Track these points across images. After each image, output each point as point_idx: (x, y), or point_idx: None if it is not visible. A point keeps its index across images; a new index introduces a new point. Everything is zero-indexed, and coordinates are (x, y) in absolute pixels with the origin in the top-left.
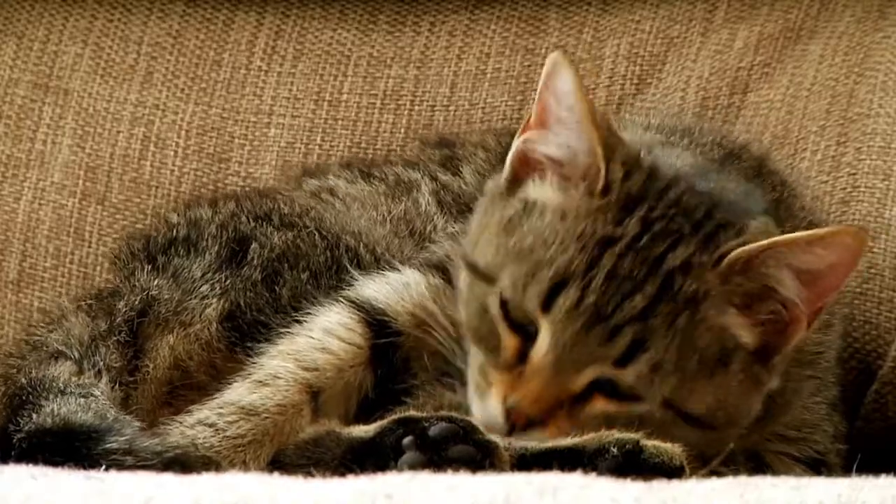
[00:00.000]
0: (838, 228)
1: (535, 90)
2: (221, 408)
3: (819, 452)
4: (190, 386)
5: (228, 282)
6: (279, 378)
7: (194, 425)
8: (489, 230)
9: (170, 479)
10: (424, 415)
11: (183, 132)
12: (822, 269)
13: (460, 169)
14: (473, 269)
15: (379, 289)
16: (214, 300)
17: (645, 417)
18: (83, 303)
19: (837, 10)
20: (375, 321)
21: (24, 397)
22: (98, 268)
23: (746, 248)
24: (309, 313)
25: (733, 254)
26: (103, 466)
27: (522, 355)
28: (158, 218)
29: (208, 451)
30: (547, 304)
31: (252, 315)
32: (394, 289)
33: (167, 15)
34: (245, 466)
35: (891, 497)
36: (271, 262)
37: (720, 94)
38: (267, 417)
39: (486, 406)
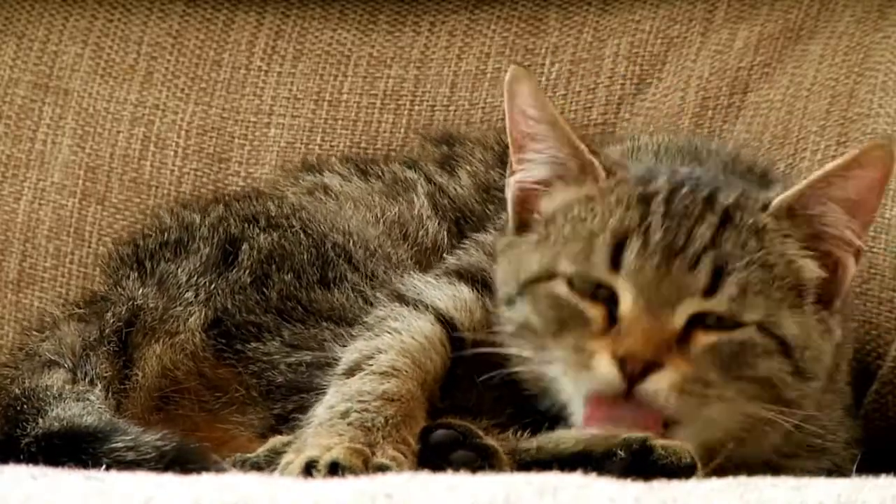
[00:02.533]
0: (866, 145)
1: None
2: (361, 398)
3: (836, 465)
4: (181, 392)
5: (213, 286)
6: (401, 371)
7: (344, 415)
8: (524, 255)
9: (170, 479)
10: (425, 423)
11: (183, 132)
12: (863, 191)
13: (457, 170)
14: (528, 283)
15: (449, 303)
16: (198, 308)
17: (747, 345)
18: (75, 310)
19: (837, 10)
20: (456, 340)
21: (18, 407)
22: (98, 268)
23: (787, 193)
24: (365, 311)
25: (776, 201)
26: (104, 466)
27: (612, 319)
28: (151, 218)
29: (368, 434)
30: (615, 262)
31: (241, 317)
32: (458, 304)
33: (167, 15)
34: (406, 443)
35: (891, 497)
36: (260, 264)
37: (720, 94)
38: (404, 404)
39: (595, 371)
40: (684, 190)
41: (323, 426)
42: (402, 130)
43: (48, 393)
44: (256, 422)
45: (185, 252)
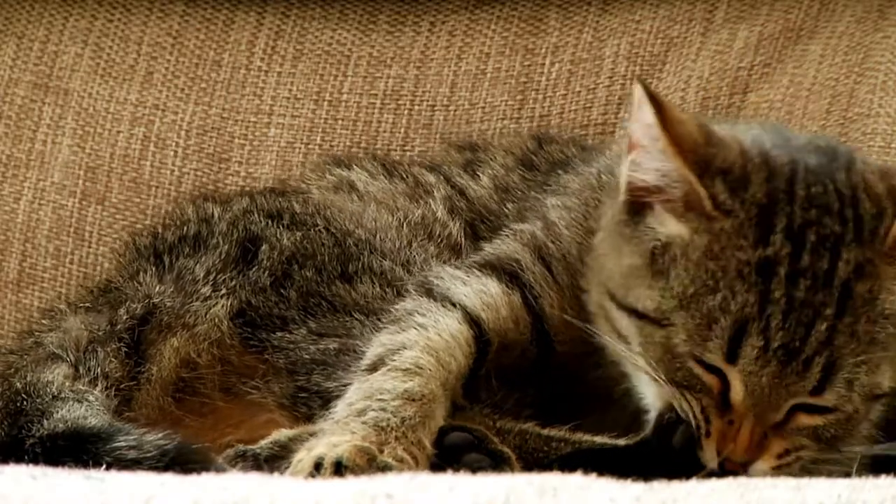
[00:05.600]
0: None
1: (536, 90)
2: (381, 396)
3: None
4: (201, 378)
5: (234, 282)
6: (425, 369)
7: (361, 413)
8: (639, 271)
9: (170, 479)
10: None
11: (183, 132)
12: None
13: (478, 173)
14: (637, 314)
15: (476, 301)
16: (222, 299)
17: (851, 418)
18: (83, 303)
19: (837, 10)
20: (481, 341)
21: (20, 404)
22: (98, 268)
23: None
24: (397, 304)
25: (894, 230)
26: (104, 466)
27: (725, 397)
28: (173, 210)
29: (381, 434)
30: (731, 356)
31: (265, 310)
32: (486, 301)
33: (167, 15)
34: (420, 445)
35: (891, 497)
36: (281, 265)
37: (720, 94)
38: (424, 404)
39: (705, 456)
40: (806, 257)
41: (339, 423)
42: (402, 130)
43: (48, 390)
44: (277, 389)
45: (204, 247)
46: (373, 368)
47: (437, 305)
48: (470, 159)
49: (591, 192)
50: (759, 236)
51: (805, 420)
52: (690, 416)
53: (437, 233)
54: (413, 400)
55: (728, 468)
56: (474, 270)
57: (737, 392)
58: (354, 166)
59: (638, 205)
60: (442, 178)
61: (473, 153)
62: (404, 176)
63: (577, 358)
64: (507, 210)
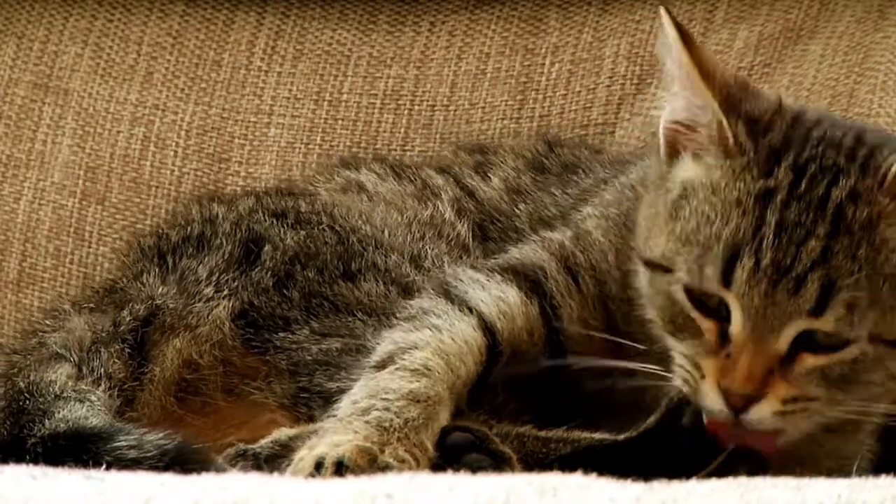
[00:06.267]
0: None
1: (536, 90)
2: (386, 395)
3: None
4: (203, 379)
5: (237, 283)
6: (433, 371)
7: (365, 412)
8: (658, 220)
9: (170, 479)
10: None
11: (183, 132)
12: None
13: (489, 174)
14: (649, 263)
15: (493, 308)
16: (224, 300)
17: (858, 360)
18: (87, 303)
19: (837, 10)
20: (493, 351)
21: (22, 404)
22: (98, 268)
23: None
24: (420, 302)
25: (893, 172)
26: (104, 465)
27: (724, 335)
28: (178, 210)
29: (383, 434)
30: (726, 279)
31: (267, 310)
32: (502, 309)
33: (167, 15)
34: (423, 447)
35: (891, 497)
36: (283, 265)
37: None
38: (428, 406)
39: (704, 399)
40: (804, 183)
41: (342, 422)
42: (402, 130)
43: (51, 390)
44: (278, 389)
45: (208, 248)
46: (381, 366)
47: (453, 308)
48: (480, 161)
49: (628, 200)
50: (765, 171)
51: (810, 360)
52: (686, 368)
53: (446, 233)
54: (418, 401)
55: (731, 403)
56: (496, 274)
57: (735, 321)
58: (363, 168)
59: (673, 153)
60: (451, 179)
61: (483, 156)
62: (412, 178)
63: (587, 369)
64: (518, 211)
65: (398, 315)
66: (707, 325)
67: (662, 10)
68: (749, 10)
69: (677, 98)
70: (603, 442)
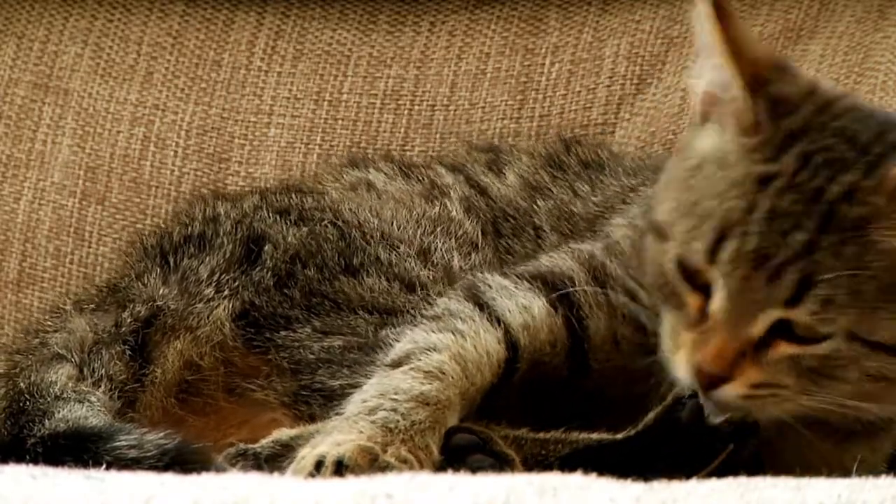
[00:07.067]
0: None
1: (536, 90)
2: (395, 395)
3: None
4: (205, 379)
5: (237, 283)
6: (447, 376)
7: (372, 412)
8: (671, 184)
9: (170, 479)
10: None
11: (183, 132)
12: None
13: (504, 171)
14: (653, 225)
15: (518, 319)
16: (224, 301)
17: (832, 356)
18: (89, 303)
19: (837, 10)
20: (512, 366)
21: (22, 404)
22: (98, 268)
23: None
24: (448, 303)
25: (893, 174)
26: (104, 465)
27: (705, 312)
28: (182, 209)
29: (388, 434)
30: (712, 256)
31: (269, 309)
32: (526, 322)
33: (167, 15)
34: (428, 450)
35: (891, 497)
36: (284, 264)
37: None
38: (437, 410)
39: (676, 370)
40: (805, 174)
41: (348, 420)
42: (402, 130)
43: (51, 391)
44: (280, 387)
45: (209, 247)
46: (397, 364)
47: (481, 316)
48: (493, 159)
49: None
50: (773, 155)
51: (785, 348)
52: (668, 336)
53: (453, 230)
54: (427, 404)
55: (699, 381)
56: (524, 282)
57: (715, 300)
58: (370, 167)
59: (705, 122)
60: (462, 178)
61: (496, 154)
62: (420, 178)
63: (607, 378)
64: (537, 208)
65: (424, 312)
66: (691, 299)
67: None
68: (749, 10)
69: (710, 67)
70: (602, 441)
